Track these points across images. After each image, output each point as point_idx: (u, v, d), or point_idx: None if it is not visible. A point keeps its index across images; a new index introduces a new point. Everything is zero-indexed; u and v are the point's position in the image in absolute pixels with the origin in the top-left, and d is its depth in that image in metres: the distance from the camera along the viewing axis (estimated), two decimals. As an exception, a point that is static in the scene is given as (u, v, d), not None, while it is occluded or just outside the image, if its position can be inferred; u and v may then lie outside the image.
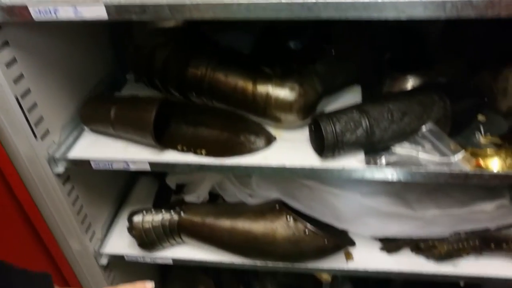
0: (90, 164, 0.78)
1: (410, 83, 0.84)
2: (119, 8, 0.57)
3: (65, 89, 0.84)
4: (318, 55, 0.85)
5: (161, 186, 1.10)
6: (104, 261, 1.00)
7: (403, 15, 0.53)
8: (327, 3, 0.53)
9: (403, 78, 0.85)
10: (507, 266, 0.92)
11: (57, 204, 0.85)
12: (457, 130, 0.80)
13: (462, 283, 1.19)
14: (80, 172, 0.88)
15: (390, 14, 0.53)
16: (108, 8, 0.57)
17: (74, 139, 0.84)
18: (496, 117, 0.85)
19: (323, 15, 0.54)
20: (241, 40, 0.92)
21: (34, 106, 0.74)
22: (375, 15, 0.53)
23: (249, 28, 0.93)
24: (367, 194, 0.99)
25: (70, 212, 0.87)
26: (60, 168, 0.80)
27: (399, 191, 1.01)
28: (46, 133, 0.78)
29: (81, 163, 0.79)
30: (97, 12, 0.58)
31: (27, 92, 0.72)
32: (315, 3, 0.53)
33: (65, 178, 0.84)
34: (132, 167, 0.78)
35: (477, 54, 0.88)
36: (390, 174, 0.73)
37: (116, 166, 0.78)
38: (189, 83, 0.84)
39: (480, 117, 0.85)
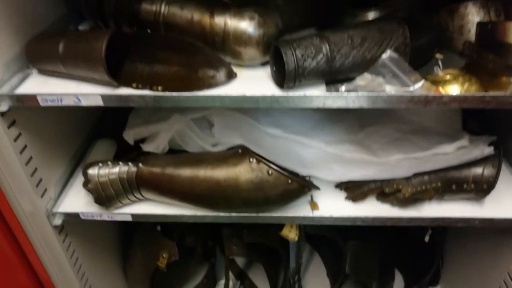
0: (37, 101, 0.73)
1: (370, 18, 0.84)
2: None
3: (9, 28, 0.78)
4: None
5: (119, 145, 1.05)
6: (58, 221, 0.94)
7: None
8: None
9: (363, 14, 0.84)
10: (468, 207, 0.93)
11: (2, 152, 0.79)
12: (418, 64, 0.80)
13: (427, 237, 1.21)
14: (28, 117, 0.82)
15: None
16: None
17: (20, 81, 0.79)
18: (453, 56, 0.86)
19: None
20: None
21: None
22: None
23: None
24: (331, 142, 0.98)
25: (17, 162, 0.81)
26: (4, 107, 0.74)
27: (362, 140, 1.01)
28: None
29: (28, 99, 0.73)
30: None
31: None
32: None
33: (10, 121, 0.78)
34: (84, 103, 0.73)
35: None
36: (352, 100, 0.71)
37: (66, 102, 0.73)
38: (144, 21, 0.80)
39: (438, 55, 0.86)
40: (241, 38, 0.76)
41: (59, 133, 0.98)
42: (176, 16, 0.78)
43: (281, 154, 0.92)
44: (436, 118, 1.02)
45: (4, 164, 0.80)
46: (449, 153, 0.92)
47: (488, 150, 0.87)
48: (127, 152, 1.03)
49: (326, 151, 0.96)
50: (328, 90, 0.73)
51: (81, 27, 0.99)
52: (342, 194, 0.98)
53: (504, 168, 1.01)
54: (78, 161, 1.07)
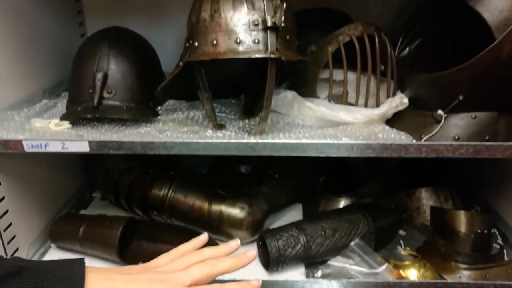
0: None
1: (341, 203, 1.00)
2: (100, 143, 0.71)
3: (38, 209, 0.93)
4: (264, 179, 1.01)
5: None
6: None
7: (322, 154, 0.69)
8: (265, 143, 0.69)
9: (335, 199, 1.01)
10: None
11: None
12: (383, 243, 0.95)
13: None
14: None
15: (312, 154, 0.69)
16: (90, 143, 0.71)
17: (39, 256, 0.91)
18: (414, 231, 1.01)
19: (263, 153, 0.70)
20: (199, 163, 1.08)
21: (9, 226, 0.82)
22: (301, 154, 0.69)
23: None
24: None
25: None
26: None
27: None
28: (16, 250, 0.85)
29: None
30: (81, 147, 0.71)
31: (5, 213, 0.81)
32: (256, 143, 0.69)
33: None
34: (95, 281, 0.84)
35: (395, 180, 1.07)
36: (326, 285, 0.83)
37: (79, 281, 0.84)
38: (152, 203, 0.96)
39: (401, 232, 1.01)
40: (233, 224, 0.90)
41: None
42: (180, 202, 0.93)
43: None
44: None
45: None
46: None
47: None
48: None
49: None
50: (307, 274, 0.85)
51: (94, 194, 1.15)
52: None
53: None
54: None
